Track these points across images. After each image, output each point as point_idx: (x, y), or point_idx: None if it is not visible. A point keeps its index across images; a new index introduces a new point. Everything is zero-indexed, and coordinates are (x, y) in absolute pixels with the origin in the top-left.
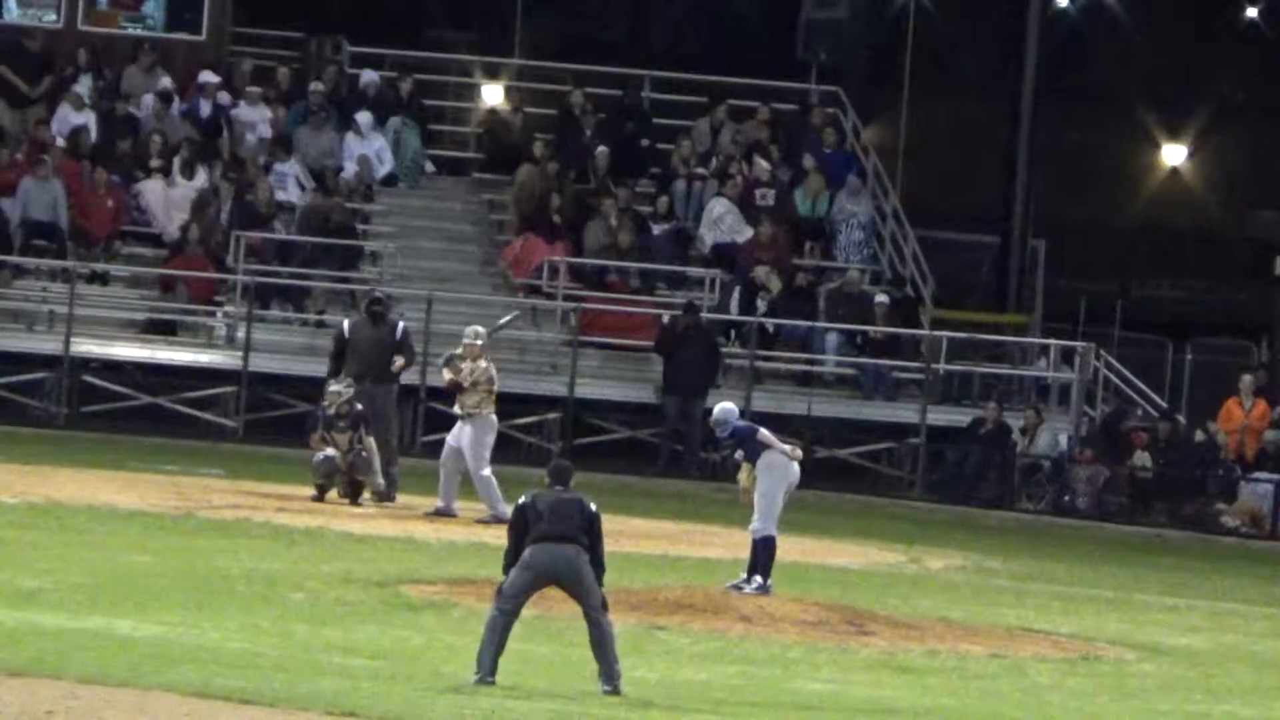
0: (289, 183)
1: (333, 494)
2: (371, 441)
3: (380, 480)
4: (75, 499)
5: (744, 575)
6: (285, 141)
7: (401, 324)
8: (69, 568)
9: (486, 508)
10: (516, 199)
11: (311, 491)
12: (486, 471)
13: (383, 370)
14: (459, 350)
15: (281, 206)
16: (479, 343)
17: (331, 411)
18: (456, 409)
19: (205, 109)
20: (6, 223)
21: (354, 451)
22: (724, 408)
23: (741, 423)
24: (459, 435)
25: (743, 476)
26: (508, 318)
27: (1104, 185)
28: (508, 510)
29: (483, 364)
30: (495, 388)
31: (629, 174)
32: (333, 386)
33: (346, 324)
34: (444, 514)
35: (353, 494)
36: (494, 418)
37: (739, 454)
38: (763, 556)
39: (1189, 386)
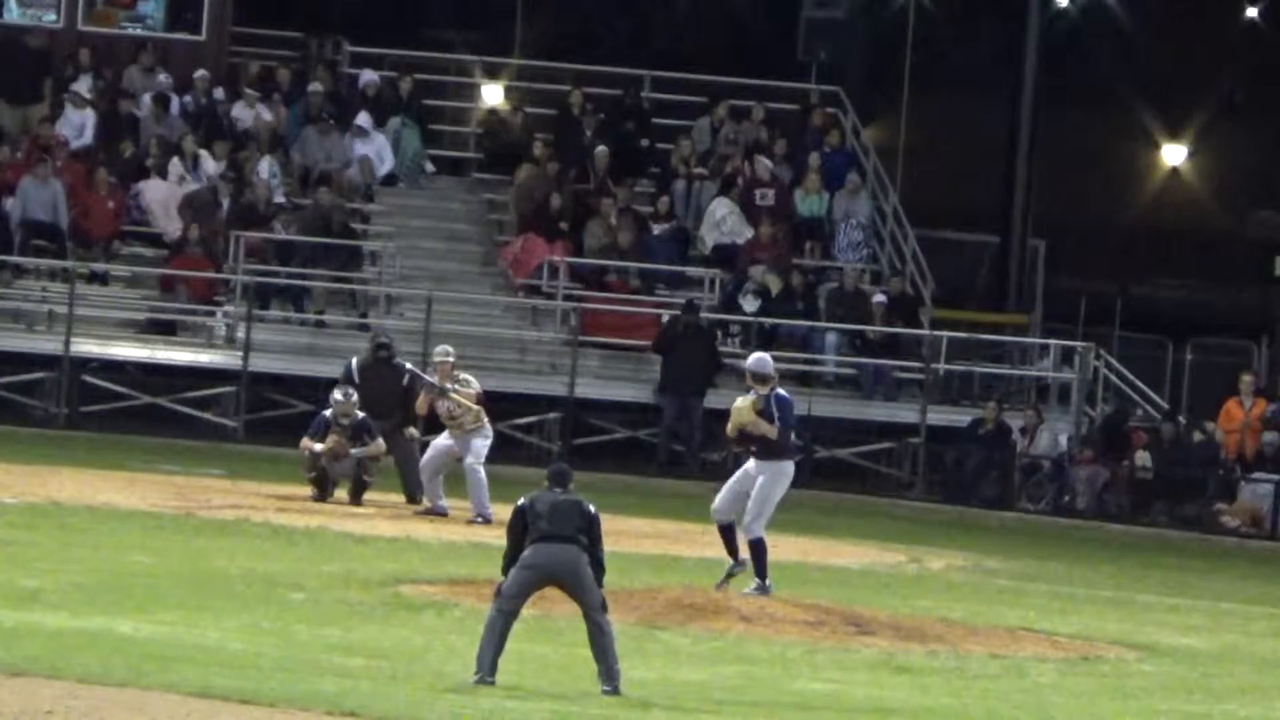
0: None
1: (338, 494)
2: (380, 442)
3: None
4: (75, 499)
5: (730, 562)
6: (277, 140)
7: (409, 374)
8: (69, 568)
9: (473, 505)
10: (516, 199)
11: (310, 492)
12: (482, 470)
13: (388, 412)
14: (432, 376)
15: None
16: (450, 359)
17: (333, 418)
18: (449, 429)
19: (200, 104)
20: (6, 223)
21: (352, 458)
22: (764, 358)
23: (789, 397)
24: (446, 440)
25: (746, 407)
26: None
27: (1104, 185)
28: (493, 512)
29: (465, 378)
30: (481, 402)
31: (629, 174)
32: (336, 395)
33: (355, 362)
34: (434, 513)
35: (356, 494)
36: (489, 428)
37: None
38: (757, 556)
39: (1189, 386)
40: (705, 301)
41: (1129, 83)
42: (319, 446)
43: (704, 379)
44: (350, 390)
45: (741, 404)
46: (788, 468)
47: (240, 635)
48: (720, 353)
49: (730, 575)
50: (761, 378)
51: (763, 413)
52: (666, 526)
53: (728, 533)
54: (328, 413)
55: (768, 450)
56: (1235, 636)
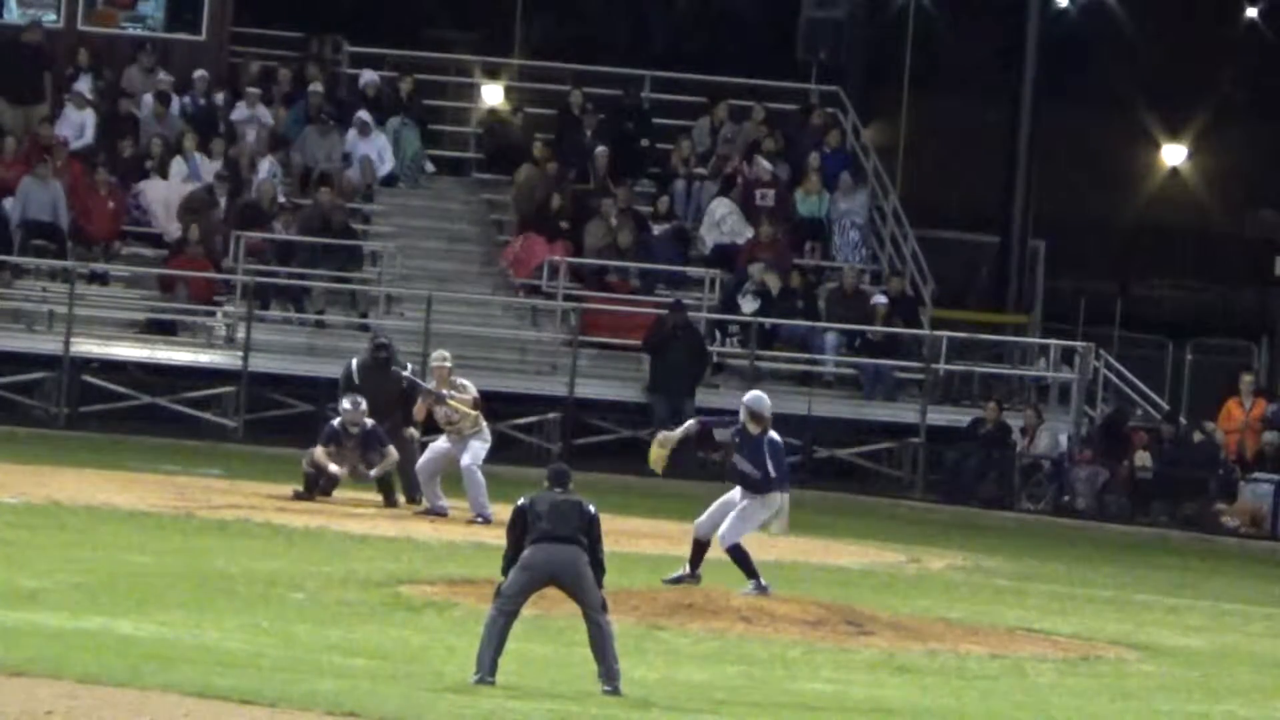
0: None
1: (341, 493)
2: (393, 451)
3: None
4: (75, 499)
5: (685, 568)
6: (277, 140)
7: (407, 379)
8: (69, 568)
9: (471, 506)
10: (516, 199)
11: (295, 489)
12: (479, 471)
13: (387, 412)
14: (430, 383)
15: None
16: (447, 365)
17: (342, 427)
18: (447, 434)
19: (200, 105)
20: (6, 223)
21: (360, 470)
22: (763, 398)
23: (780, 441)
24: (444, 443)
25: (659, 452)
26: None
27: (1104, 185)
28: (492, 513)
29: (463, 383)
30: (478, 406)
31: (629, 174)
32: (345, 404)
33: (354, 364)
34: (434, 513)
35: (386, 496)
36: (487, 431)
37: (740, 452)
38: (739, 562)
39: (1189, 386)
40: (705, 302)
41: (1129, 83)
42: (334, 468)
43: (694, 379)
44: (359, 399)
45: (658, 451)
46: (773, 499)
47: (240, 635)
48: (712, 352)
49: (679, 580)
50: (757, 417)
51: (740, 448)
52: (666, 526)
53: (700, 547)
54: (336, 421)
55: (752, 486)
56: (1235, 636)
